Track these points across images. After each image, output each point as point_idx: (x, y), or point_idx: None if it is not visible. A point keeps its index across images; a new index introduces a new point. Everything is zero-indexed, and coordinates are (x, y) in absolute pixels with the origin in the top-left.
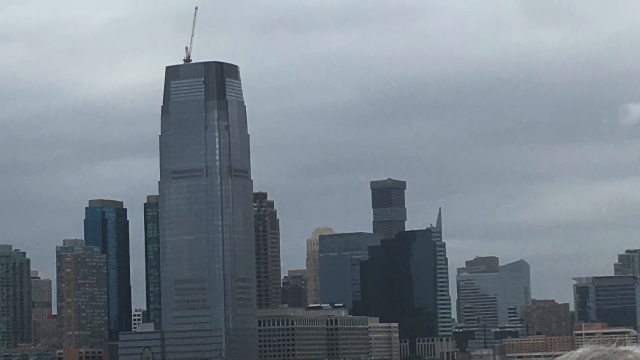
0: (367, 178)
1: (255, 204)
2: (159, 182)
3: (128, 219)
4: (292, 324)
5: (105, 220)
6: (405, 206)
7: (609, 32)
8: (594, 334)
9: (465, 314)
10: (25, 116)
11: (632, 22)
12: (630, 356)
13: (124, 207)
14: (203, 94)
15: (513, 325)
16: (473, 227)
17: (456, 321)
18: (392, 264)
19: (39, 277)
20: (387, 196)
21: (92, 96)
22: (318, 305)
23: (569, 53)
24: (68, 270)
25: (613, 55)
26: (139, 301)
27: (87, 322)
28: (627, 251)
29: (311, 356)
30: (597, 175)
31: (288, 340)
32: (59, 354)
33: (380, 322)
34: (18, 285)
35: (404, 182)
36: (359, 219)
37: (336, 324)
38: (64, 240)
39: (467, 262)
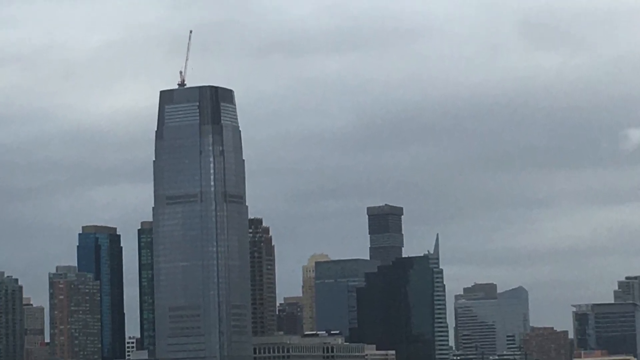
0: (364, 204)
1: (251, 230)
2: (153, 208)
3: (122, 245)
4: (288, 351)
5: (99, 246)
6: (403, 232)
7: (609, 56)
8: None
9: (463, 341)
10: (18, 141)
11: (632, 46)
12: None
13: (118, 233)
14: (197, 118)
15: (512, 352)
16: (471, 253)
17: (454, 349)
18: (389, 291)
19: (32, 304)
20: (384, 222)
21: (86, 121)
22: (314, 332)
23: (568, 77)
24: (61, 297)
25: (613, 79)
26: (132, 328)
27: (80, 350)
28: (627, 278)
29: None
30: (597, 201)
31: None
32: None
33: (377, 349)
34: (10, 313)
35: (401, 208)
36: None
37: (332, 351)
38: (57, 267)
39: (465, 289)
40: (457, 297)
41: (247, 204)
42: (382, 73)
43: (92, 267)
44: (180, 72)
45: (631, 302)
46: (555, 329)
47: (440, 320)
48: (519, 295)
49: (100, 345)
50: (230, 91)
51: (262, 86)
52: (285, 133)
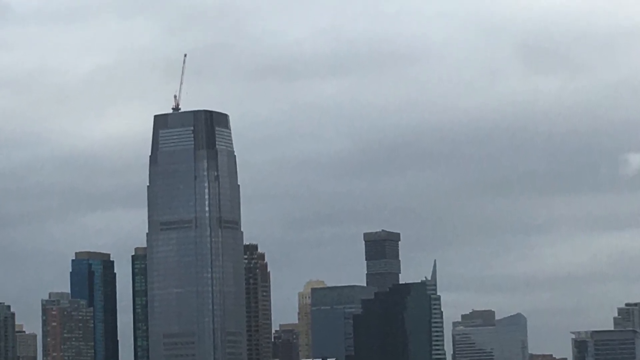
0: (360, 229)
1: (246, 256)
2: (147, 234)
3: (115, 271)
4: None
5: (92, 272)
6: (400, 258)
7: (608, 80)
8: None
9: None
10: (10, 166)
11: (632, 70)
12: None
13: (111, 259)
14: (192, 143)
15: None
16: (469, 279)
17: None
18: (386, 318)
19: (24, 331)
20: (381, 248)
21: (79, 146)
22: (310, 359)
23: (567, 101)
24: (54, 324)
25: (612, 103)
26: (126, 356)
27: None
28: (627, 304)
29: None
30: (596, 227)
31: None
32: None
33: None
34: (2, 340)
35: (398, 234)
36: (352, 271)
37: None
38: (50, 293)
39: (462, 316)
40: (454, 324)
41: (242, 229)
42: (379, 97)
43: (85, 293)
44: (175, 96)
45: (631, 329)
46: (554, 356)
47: (437, 347)
48: (517, 322)
49: None
50: (225, 115)
51: (257, 110)
52: (281, 158)
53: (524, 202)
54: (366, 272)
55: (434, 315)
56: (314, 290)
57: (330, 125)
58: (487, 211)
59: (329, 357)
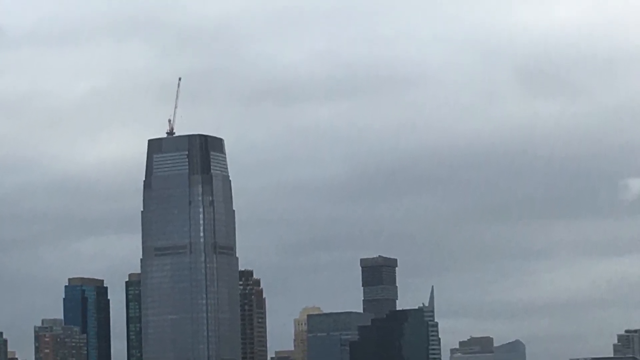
0: (357, 255)
1: (241, 282)
2: (141, 260)
3: (109, 297)
4: None
5: (85, 299)
6: (397, 284)
7: (608, 103)
8: None
9: None
10: (2, 191)
11: (632, 94)
12: None
13: (105, 285)
14: (187, 168)
15: None
16: (467, 306)
17: None
18: (383, 345)
19: (17, 358)
20: (378, 274)
21: (72, 170)
22: None
23: (567, 125)
24: (47, 350)
25: (612, 127)
26: None
27: None
28: (626, 331)
29: None
30: (596, 252)
31: None
32: None
33: None
34: None
35: (395, 260)
36: (349, 297)
37: None
38: (43, 320)
39: (460, 343)
40: (452, 350)
41: (237, 255)
42: (376, 121)
43: (78, 320)
44: (169, 121)
45: (631, 355)
46: None
47: None
48: (516, 349)
49: None
50: (220, 140)
51: (252, 135)
52: (277, 183)
53: (522, 227)
54: (363, 298)
55: (431, 342)
56: (310, 316)
57: (326, 149)
58: (486, 236)
59: None
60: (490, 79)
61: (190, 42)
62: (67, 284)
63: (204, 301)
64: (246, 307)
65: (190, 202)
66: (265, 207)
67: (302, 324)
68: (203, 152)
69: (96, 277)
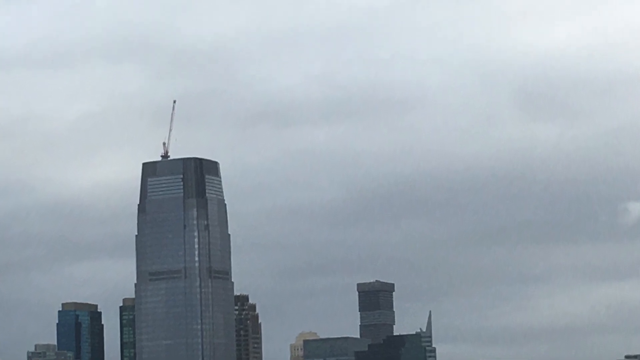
0: (354, 280)
1: (237, 307)
2: (135, 284)
3: (103, 322)
4: None
5: (79, 324)
6: (394, 309)
7: (607, 126)
8: None
9: None
10: None
11: (631, 117)
12: None
13: (99, 310)
14: (181, 191)
15: None
16: (465, 331)
17: None
18: None
19: None
20: (375, 299)
21: (65, 194)
22: None
23: (566, 149)
24: None
25: (611, 151)
26: None
27: None
28: (626, 356)
29: None
30: (595, 277)
31: None
32: None
33: None
34: None
35: (393, 284)
36: (345, 322)
37: None
38: (36, 345)
39: None
40: None
41: (232, 279)
42: (373, 145)
43: (72, 345)
44: (164, 144)
45: None
46: None
47: None
48: None
49: None
50: (215, 163)
51: (248, 158)
52: (273, 207)
53: (521, 252)
54: (360, 323)
55: None
56: (306, 342)
57: (322, 173)
58: (484, 261)
59: None
60: (488, 102)
61: (185, 65)
62: (60, 309)
63: (199, 326)
64: (242, 333)
65: (185, 226)
66: (261, 231)
67: (298, 350)
68: (198, 175)
69: (90, 302)
